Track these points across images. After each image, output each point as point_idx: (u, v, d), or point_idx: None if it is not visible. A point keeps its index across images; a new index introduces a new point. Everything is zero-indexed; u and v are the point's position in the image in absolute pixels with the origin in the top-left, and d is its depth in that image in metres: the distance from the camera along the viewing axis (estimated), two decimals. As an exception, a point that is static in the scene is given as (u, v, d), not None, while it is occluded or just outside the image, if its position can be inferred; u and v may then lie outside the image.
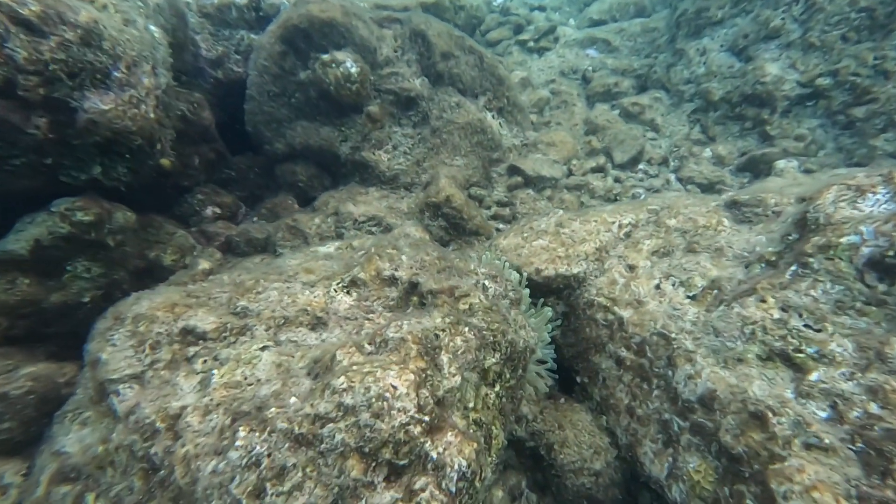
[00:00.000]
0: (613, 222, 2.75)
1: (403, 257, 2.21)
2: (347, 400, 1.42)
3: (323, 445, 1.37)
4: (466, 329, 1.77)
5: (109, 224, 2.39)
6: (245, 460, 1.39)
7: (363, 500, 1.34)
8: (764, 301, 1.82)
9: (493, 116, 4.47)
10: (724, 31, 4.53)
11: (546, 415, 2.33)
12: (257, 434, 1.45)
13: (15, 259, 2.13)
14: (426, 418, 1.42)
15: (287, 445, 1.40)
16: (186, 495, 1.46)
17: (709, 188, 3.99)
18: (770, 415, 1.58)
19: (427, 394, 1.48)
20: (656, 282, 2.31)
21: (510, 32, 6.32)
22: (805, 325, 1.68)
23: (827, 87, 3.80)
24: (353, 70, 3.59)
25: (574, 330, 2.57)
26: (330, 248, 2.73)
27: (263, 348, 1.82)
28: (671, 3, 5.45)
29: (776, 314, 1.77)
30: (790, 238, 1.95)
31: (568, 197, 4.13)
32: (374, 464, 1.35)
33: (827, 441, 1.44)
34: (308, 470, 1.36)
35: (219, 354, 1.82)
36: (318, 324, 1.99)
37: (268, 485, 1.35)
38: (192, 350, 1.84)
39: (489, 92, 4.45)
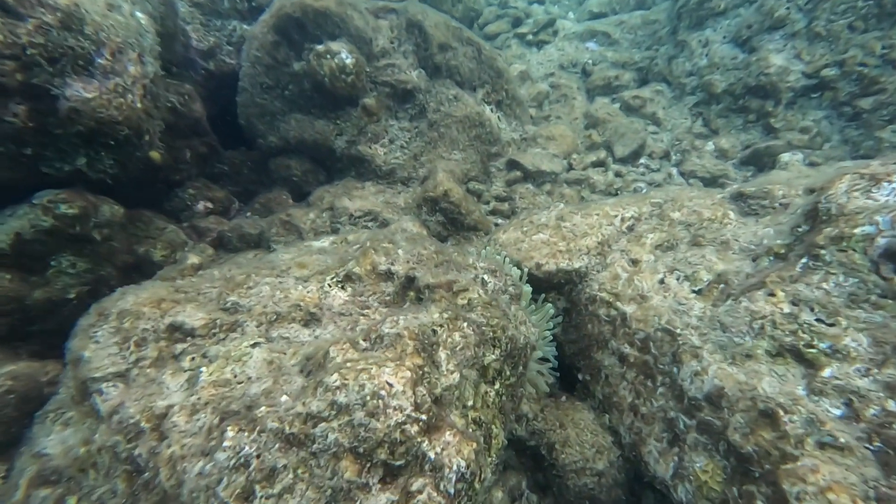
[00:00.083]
0: (616, 216, 2.68)
1: (400, 251, 2.15)
2: (341, 398, 1.37)
3: (315, 446, 1.32)
4: (465, 325, 1.71)
5: (95, 217, 2.31)
6: (233, 461, 1.34)
7: (357, 503, 1.29)
8: (773, 295, 1.76)
9: (491, 110, 4.39)
10: (726, 21, 4.46)
11: (547, 413, 2.28)
12: (246, 434, 1.40)
13: (-5, 253, 2.05)
14: (423, 417, 1.37)
15: (277, 446, 1.35)
16: (172, 498, 1.40)
17: (711, 182, 3.93)
18: (781, 413, 1.52)
19: (424, 392, 1.42)
20: (660, 276, 2.25)
21: (508, 25, 6.24)
22: (817, 320, 1.62)
23: (833, 78, 3.73)
24: (349, 61, 3.50)
25: (575, 326, 2.51)
26: (324, 242, 2.66)
27: (254, 345, 1.76)
28: (672, -6, 5.37)
29: (786, 308, 1.70)
30: (800, 230, 1.89)
31: (568, 192, 4.06)
32: (368, 465, 1.30)
33: (842, 440, 1.38)
34: (299, 471, 1.32)
35: (207, 352, 1.75)
36: (311, 320, 1.93)
37: (257, 487, 1.30)
38: (179, 347, 1.78)
39: (487, 85, 4.37)
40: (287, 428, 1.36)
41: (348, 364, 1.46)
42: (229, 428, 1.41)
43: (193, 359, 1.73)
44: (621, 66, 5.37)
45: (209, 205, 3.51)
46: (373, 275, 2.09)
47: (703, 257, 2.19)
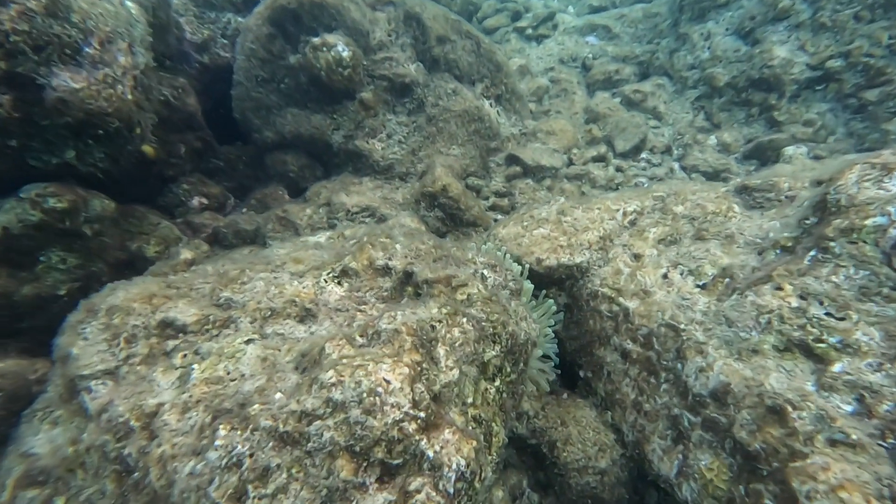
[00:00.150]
0: (617, 210, 2.64)
1: (398, 246, 2.11)
2: (336, 395, 1.33)
3: (310, 444, 1.28)
4: (465, 320, 1.67)
5: (86, 212, 2.26)
6: (225, 461, 1.31)
7: (354, 503, 1.25)
8: (781, 288, 1.72)
9: (490, 104, 4.34)
10: (729, 13, 4.39)
11: (548, 411, 2.24)
12: (239, 432, 1.36)
13: (-18, 249, 2.00)
14: (422, 415, 1.33)
15: (271, 445, 1.32)
16: (162, 499, 1.37)
17: (714, 177, 3.89)
18: (790, 409, 1.48)
19: (423, 388, 1.38)
20: (664, 271, 2.21)
21: (508, 20, 6.18)
22: (826, 314, 1.57)
23: (838, 70, 3.68)
24: (345, 54, 3.45)
25: (577, 322, 2.46)
26: (320, 237, 2.62)
27: (248, 342, 1.72)
28: (673, -13, 5.30)
29: (794, 302, 1.66)
30: (808, 222, 1.85)
31: (568, 187, 4.02)
32: (365, 464, 1.27)
33: (854, 437, 1.34)
34: (294, 471, 1.28)
35: (200, 348, 1.71)
36: (306, 316, 1.89)
37: (249, 487, 1.27)
38: (171, 344, 1.73)
39: (486, 79, 4.32)
40: (281, 426, 1.32)
41: (344, 360, 1.42)
42: (221, 426, 1.37)
43: (185, 356, 1.69)
44: (622, 60, 5.31)
45: (204, 200, 3.45)
46: (370, 270, 2.05)
47: (707, 251, 2.14)
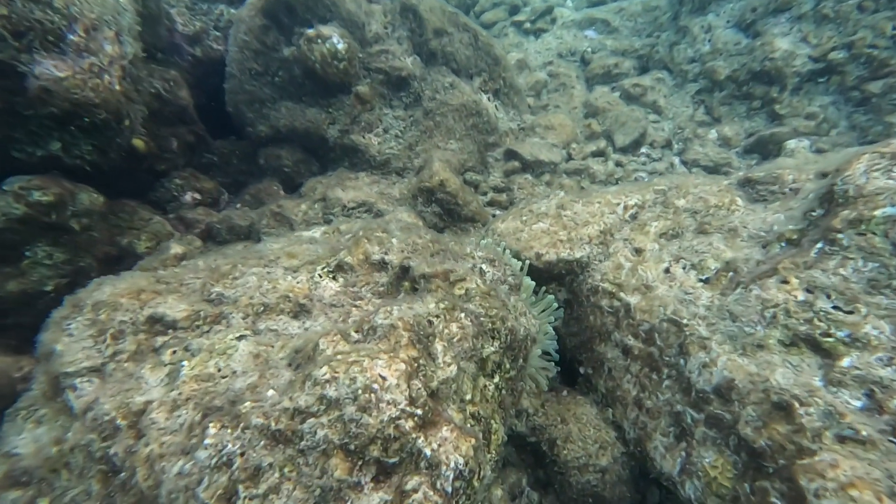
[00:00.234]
0: (618, 204, 2.59)
1: (394, 240, 2.06)
2: (330, 392, 1.29)
3: (303, 443, 1.24)
4: (463, 315, 1.63)
5: (73, 206, 2.19)
6: (215, 460, 1.26)
7: (348, 503, 1.21)
8: (786, 282, 1.68)
9: (488, 98, 4.29)
10: (730, 5, 4.34)
11: (548, 408, 2.20)
12: (229, 431, 1.31)
13: (-36, 243, 1.94)
14: (419, 412, 1.29)
15: (263, 443, 1.28)
16: (149, 500, 1.33)
17: (714, 171, 3.85)
18: (796, 405, 1.44)
19: (419, 385, 1.34)
20: (665, 265, 2.17)
21: (505, 14, 6.12)
22: (834, 307, 1.54)
23: (841, 62, 3.63)
24: (341, 46, 3.38)
25: (577, 318, 2.42)
26: (315, 232, 2.56)
27: (240, 338, 1.68)
28: (673, -20, 5.25)
29: (800, 296, 1.62)
30: (814, 214, 1.81)
31: (567, 182, 3.98)
32: (360, 462, 1.23)
33: (864, 433, 1.30)
34: (286, 470, 1.24)
35: (190, 345, 1.66)
36: (300, 311, 1.85)
37: (240, 487, 1.23)
38: (159, 340, 1.68)
39: (484, 73, 4.26)
40: (273, 424, 1.28)
41: (339, 356, 1.38)
42: (211, 425, 1.32)
43: (175, 352, 1.64)
44: (621, 54, 5.26)
45: (197, 196, 3.39)
46: (366, 265, 2.00)
47: (710, 245, 2.10)
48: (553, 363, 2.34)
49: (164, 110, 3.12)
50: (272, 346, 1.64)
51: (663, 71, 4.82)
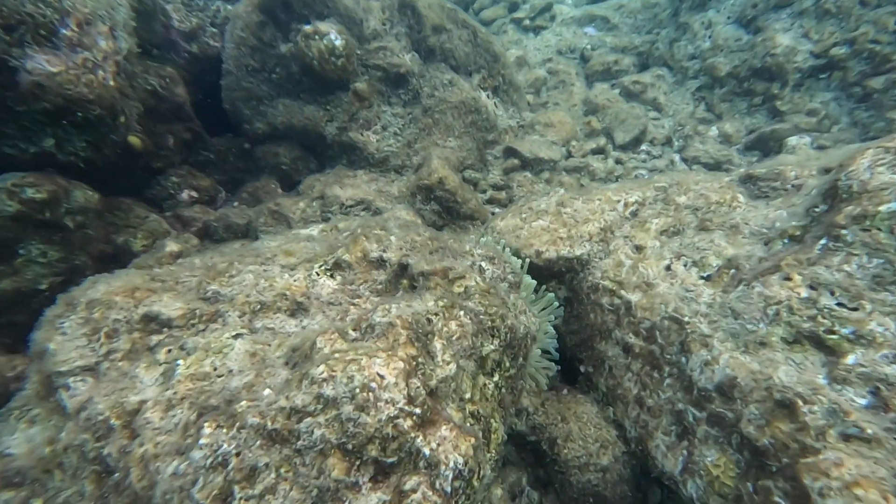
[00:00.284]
0: (619, 201, 2.57)
1: (392, 238, 2.04)
2: (328, 391, 1.27)
3: (300, 442, 1.22)
4: (462, 313, 1.61)
5: (67, 203, 2.17)
6: (210, 460, 1.24)
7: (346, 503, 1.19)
8: (789, 279, 1.66)
9: (487, 96, 4.26)
10: (730, 1, 4.31)
11: (548, 407, 2.18)
12: (225, 430, 1.29)
13: (-43, 241, 1.91)
14: (417, 411, 1.27)
15: (259, 443, 1.25)
16: (143, 501, 1.31)
17: (715, 168, 3.83)
18: (800, 403, 1.42)
19: (418, 384, 1.32)
20: (666, 262, 2.15)
21: (505, 10, 6.08)
22: (838, 304, 1.52)
23: (842, 57, 3.60)
24: (338, 43, 3.35)
25: (577, 316, 2.40)
26: (313, 230, 2.54)
27: (236, 336, 1.65)
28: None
29: (804, 292, 1.60)
30: (817, 210, 1.79)
31: (567, 180, 3.95)
32: (358, 462, 1.21)
33: (869, 431, 1.29)
34: (282, 470, 1.22)
35: (185, 343, 1.64)
36: (298, 309, 1.82)
37: (236, 488, 1.21)
38: (154, 339, 1.66)
39: (483, 70, 4.23)
40: (269, 423, 1.26)
41: (336, 355, 1.36)
42: (206, 424, 1.30)
43: (170, 351, 1.62)
44: (621, 51, 5.24)
45: (194, 194, 3.36)
46: (363, 262, 1.98)
47: (711, 242, 2.08)
48: (553, 361, 2.33)
49: (160, 107, 3.09)
50: (269, 345, 1.62)
51: (663, 68, 4.79)
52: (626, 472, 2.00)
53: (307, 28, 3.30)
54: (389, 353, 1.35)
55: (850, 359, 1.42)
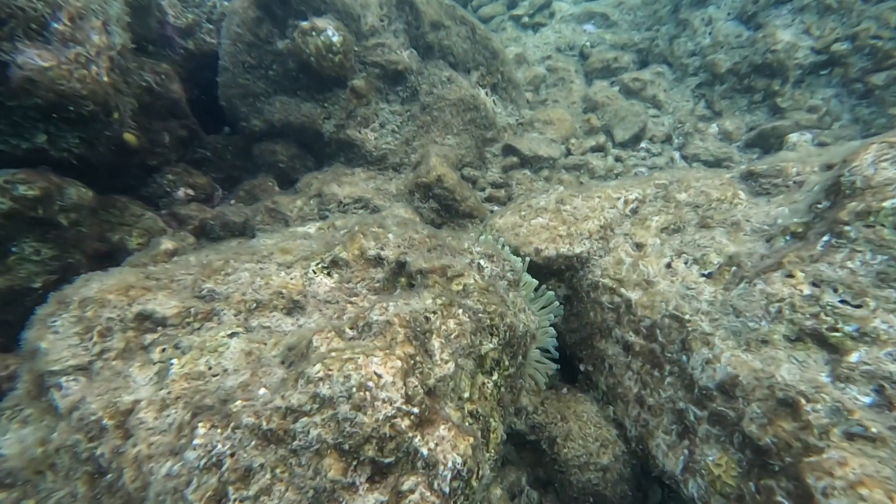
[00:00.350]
0: (618, 198, 2.55)
1: (390, 235, 2.01)
2: (324, 390, 1.25)
3: (295, 442, 1.20)
4: (460, 311, 1.59)
5: (61, 200, 2.14)
6: (204, 461, 1.22)
7: (343, 505, 1.17)
8: (792, 276, 1.64)
9: (486, 93, 4.23)
10: (731, -3, 4.29)
11: (548, 406, 2.17)
12: (219, 431, 1.27)
13: (-52, 238, 1.88)
14: (415, 410, 1.25)
15: (254, 443, 1.24)
16: (136, 502, 1.29)
17: (715, 166, 3.81)
18: (803, 401, 1.40)
19: (416, 383, 1.30)
20: (667, 260, 2.13)
21: (503, 7, 6.05)
22: (841, 301, 1.50)
23: (844, 53, 3.58)
24: (336, 39, 3.32)
25: (577, 314, 2.38)
26: (310, 228, 2.52)
27: (232, 335, 1.63)
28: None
29: (806, 290, 1.58)
30: (819, 206, 1.77)
31: (566, 177, 3.93)
32: (355, 463, 1.20)
33: (873, 430, 1.27)
34: (278, 471, 1.21)
35: (180, 342, 1.62)
36: (294, 308, 1.80)
37: (230, 489, 1.19)
38: (149, 338, 1.64)
39: (482, 67, 4.21)
40: (264, 423, 1.24)
41: (333, 353, 1.34)
42: (201, 424, 1.28)
43: (164, 350, 1.59)
44: (620, 48, 5.21)
45: (190, 192, 3.33)
46: (361, 260, 1.96)
47: (712, 239, 2.06)
48: (553, 360, 2.31)
49: (155, 104, 3.06)
50: (265, 344, 1.60)
51: (663, 65, 4.77)
52: (626, 471, 1.99)
53: (304, 24, 3.27)
54: (387, 351, 1.33)
55: (853, 356, 1.40)
